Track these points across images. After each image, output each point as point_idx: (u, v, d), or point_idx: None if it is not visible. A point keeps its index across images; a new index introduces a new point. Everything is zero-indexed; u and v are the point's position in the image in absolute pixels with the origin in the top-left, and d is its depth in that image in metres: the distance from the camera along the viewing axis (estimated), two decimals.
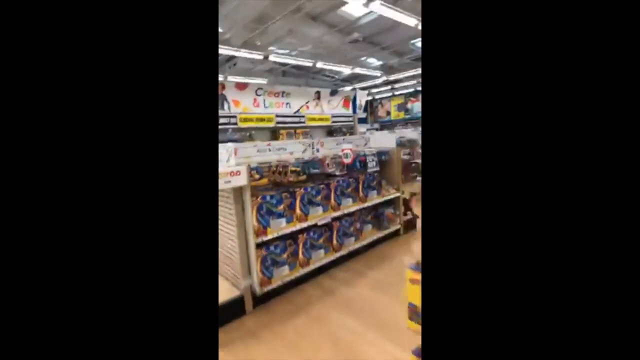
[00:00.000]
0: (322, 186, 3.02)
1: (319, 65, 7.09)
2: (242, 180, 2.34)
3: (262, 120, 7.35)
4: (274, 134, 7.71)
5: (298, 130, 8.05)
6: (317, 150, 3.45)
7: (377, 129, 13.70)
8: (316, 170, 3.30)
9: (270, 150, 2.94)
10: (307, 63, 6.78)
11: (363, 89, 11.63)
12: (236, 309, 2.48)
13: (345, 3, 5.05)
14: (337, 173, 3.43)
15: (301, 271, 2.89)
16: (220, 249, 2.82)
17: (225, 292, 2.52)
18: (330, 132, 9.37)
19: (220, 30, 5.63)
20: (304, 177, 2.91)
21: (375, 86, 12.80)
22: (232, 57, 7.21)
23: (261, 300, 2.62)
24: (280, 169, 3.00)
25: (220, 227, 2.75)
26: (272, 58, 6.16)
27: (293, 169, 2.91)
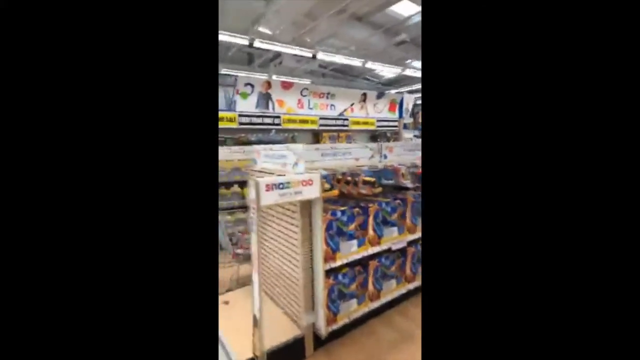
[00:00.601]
0: (397, 202, 2.46)
1: (369, 65, 6.56)
2: (314, 191, 1.84)
3: (305, 122, 6.94)
4: (316, 136, 7.28)
5: (341, 134, 7.56)
6: (385, 157, 2.93)
7: (416, 136, 12.85)
8: (389, 181, 2.76)
9: (334, 154, 2.43)
10: (357, 63, 6.28)
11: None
12: (295, 352, 1.98)
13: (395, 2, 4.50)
14: (410, 185, 2.85)
15: (370, 306, 2.34)
16: (277, 275, 2.34)
17: (283, 331, 2.02)
18: (374, 137, 8.78)
19: (268, 31, 5.30)
20: (379, 189, 2.37)
21: (418, 90, 12.05)
22: (278, 55, 6.88)
23: (324, 341, 2.10)
24: (349, 178, 2.49)
25: (277, 248, 2.28)
26: (320, 56, 5.73)
27: (366, 179, 2.38)
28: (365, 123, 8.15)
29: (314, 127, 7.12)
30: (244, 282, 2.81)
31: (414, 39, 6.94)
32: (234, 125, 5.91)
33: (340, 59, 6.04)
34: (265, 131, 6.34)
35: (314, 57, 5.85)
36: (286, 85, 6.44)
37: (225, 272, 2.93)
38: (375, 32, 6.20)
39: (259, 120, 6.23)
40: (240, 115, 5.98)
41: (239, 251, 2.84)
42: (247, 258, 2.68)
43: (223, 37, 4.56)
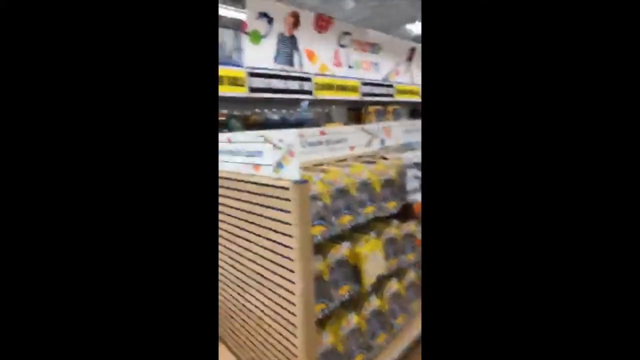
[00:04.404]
0: None
1: None
2: None
3: (344, 88, 4.48)
4: (355, 113, 4.87)
5: (389, 108, 5.21)
6: (383, 142, 1.67)
7: None
8: None
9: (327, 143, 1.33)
10: None
11: None
12: None
13: None
14: None
15: None
16: None
17: None
18: (414, 112, 6.62)
19: None
20: None
21: None
22: None
23: None
24: None
25: None
26: None
27: None
28: (411, 92, 5.87)
29: (356, 96, 4.66)
30: None
31: None
32: (243, 92, 3.25)
33: None
34: (290, 103, 3.76)
35: None
36: (322, 24, 3.86)
37: None
38: None
39: (282, 84, 3.62)
40: (251, 75, 3.32)
41: None
42: None
43: None
